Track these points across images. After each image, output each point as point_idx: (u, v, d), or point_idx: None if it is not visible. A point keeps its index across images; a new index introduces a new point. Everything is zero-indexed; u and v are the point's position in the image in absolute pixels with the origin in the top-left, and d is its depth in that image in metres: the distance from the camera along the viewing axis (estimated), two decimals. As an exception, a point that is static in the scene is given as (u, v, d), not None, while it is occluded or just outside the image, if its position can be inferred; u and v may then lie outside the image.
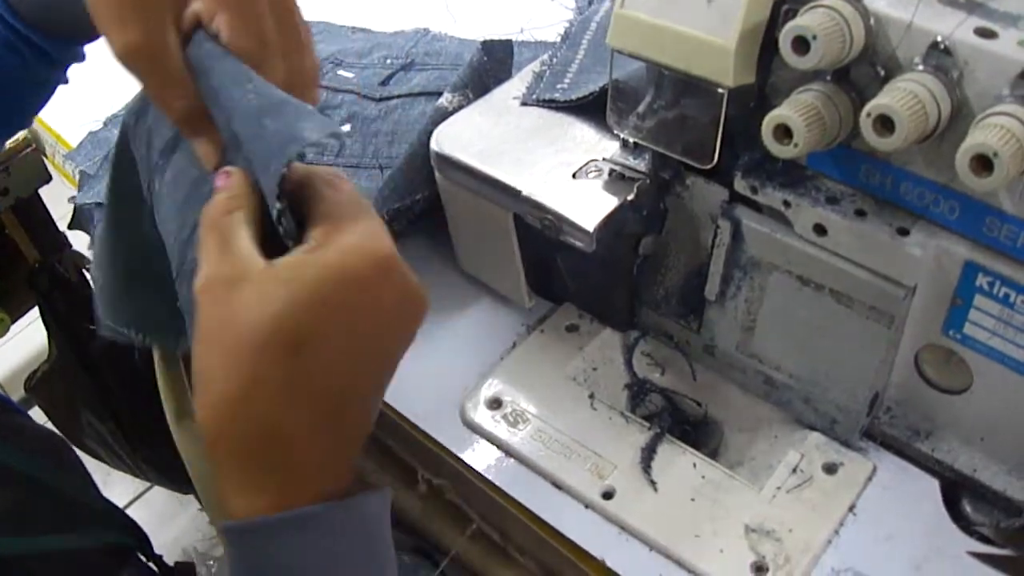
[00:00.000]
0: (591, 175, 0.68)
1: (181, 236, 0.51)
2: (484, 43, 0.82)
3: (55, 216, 1.31)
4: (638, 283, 0.73)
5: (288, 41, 0.48)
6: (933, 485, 0.65)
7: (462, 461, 0.69)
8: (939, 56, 0.51)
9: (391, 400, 0.69)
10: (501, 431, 0.69)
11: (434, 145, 0.73)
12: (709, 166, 0.62)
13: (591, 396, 0.71)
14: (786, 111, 0.53)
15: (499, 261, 0.76)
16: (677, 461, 0.67)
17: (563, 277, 0.76)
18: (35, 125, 1.08)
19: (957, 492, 0.64)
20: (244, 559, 0.42)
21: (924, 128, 0.50)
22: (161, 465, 1.30)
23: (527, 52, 0.93)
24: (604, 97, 0.67)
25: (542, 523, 0.65)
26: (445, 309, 0.79)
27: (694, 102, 0.62)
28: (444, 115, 0.76)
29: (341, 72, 1.01)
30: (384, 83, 0.97)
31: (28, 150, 1.13)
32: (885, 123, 0.50)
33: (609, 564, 0.62)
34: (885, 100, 0.50)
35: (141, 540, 0.74)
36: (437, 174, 0.74)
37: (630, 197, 0.66)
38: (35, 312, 1.32)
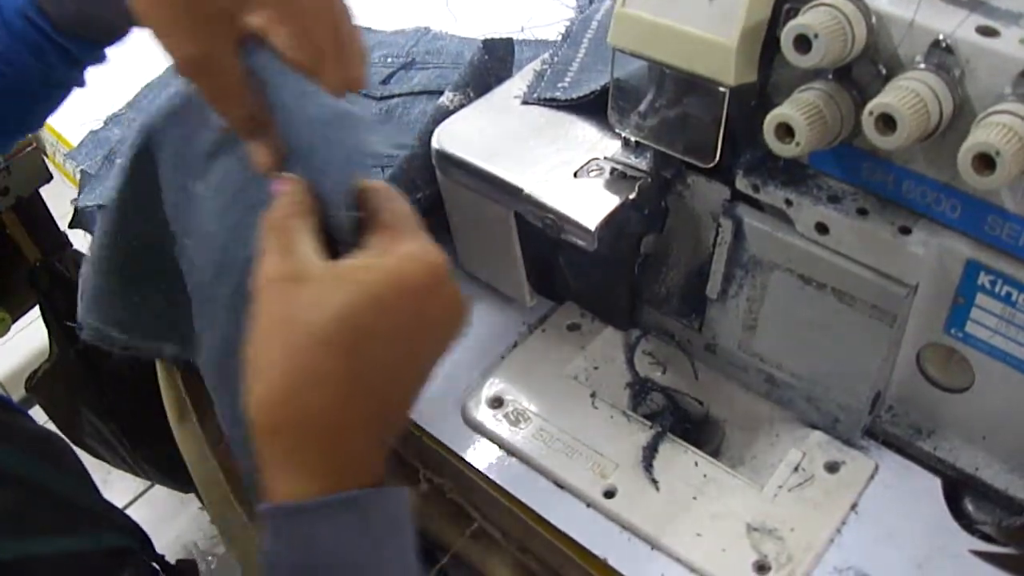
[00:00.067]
0: (592, 174, 0.68)
1: (223, 237, 0.52)
2: (485, 42, 0.82)
3: (56, 215, 1.31)
4: (640, 282, 0.73)
5: (343, 50, 0.49)
6: (935, 484, 0.65)
7: (463, 460, 0.69)
8: (941, 54, 0.51)
9: (392, 399, 0.69)
10: (503, 430, 0.69)
11: (435, 144, 0.73)
12: (711, 165, 0.62)
13: (592, 395, 0.71)
14: (788, 110, 0.53)
15: (500, 260, 0.76)
16: (679, 460, 0.66)
17: (564, 276, 0.76)
18: (37, 125, 1.08)
19: (959, 491, 0.64)
20: (290, 540, 0.43)
21: (926, 127, 0.50)
22: (162, 464, 1.30)
23: (528, 51, 0.93)
24: (605, 96, 0.67)
25: (544, 522, 0.65)
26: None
27: (695, 101, 0.62)
28: (445, 114, 0.76)
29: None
30: (385, 82, 0.97)
31: (29, 149, 1.13)
32: (887, 122, 0.50)
33: (611, 563, 0.62)
34: (887, 99, 0.50)
35: (142, 541, 0.74)
36: (438, 173, 0.74)
37: (632, 196, 0.66)
38: (36, 311, 1.32)
